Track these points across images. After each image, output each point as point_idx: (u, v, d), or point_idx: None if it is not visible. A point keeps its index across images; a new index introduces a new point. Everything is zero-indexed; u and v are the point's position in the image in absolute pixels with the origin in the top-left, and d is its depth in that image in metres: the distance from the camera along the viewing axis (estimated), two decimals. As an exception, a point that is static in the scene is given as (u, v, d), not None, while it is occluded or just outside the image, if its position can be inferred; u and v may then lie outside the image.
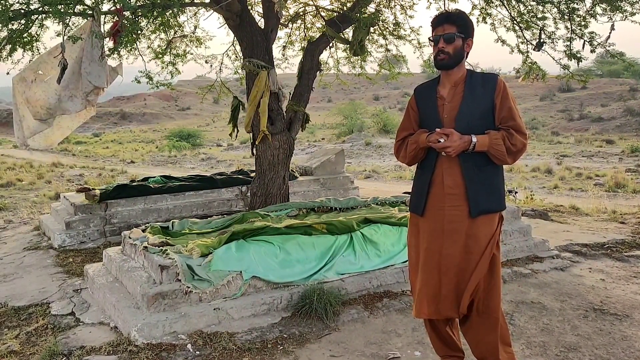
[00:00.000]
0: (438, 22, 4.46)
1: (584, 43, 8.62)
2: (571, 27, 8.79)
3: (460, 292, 4.46)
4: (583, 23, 8.65)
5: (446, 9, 8.57)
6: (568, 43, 8.87)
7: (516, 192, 15.29)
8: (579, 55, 8.73)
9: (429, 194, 4.52)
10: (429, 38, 4.57)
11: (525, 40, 9.61)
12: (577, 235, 9.98)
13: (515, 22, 9.52)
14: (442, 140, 4.26)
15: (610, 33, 8.28)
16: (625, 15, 8.14)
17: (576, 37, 8.78)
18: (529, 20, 9.29)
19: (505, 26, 9.75)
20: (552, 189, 19.81)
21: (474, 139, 4.27)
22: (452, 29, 4.39)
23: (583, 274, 7.79)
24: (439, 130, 4.31)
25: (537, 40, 9.10)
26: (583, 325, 6.04)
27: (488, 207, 4.42)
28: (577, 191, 19.26)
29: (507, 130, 4.33)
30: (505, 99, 4.39)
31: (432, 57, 4.75)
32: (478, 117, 4.38)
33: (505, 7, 9.47)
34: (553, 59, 9.03)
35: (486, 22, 9.81)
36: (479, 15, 9.76)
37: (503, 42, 9.62)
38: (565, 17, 8.75)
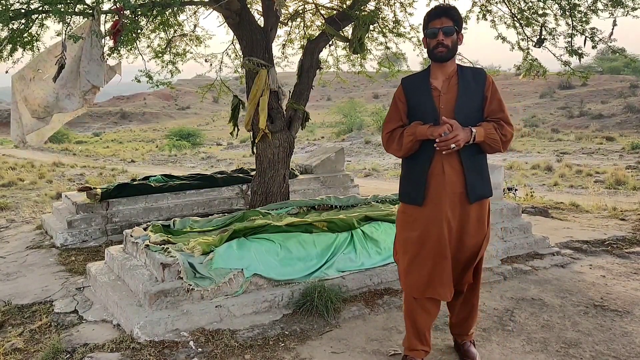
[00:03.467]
0: (436, 15, 4.56)
1: (585, 39, 8.60)
2: (572, 23, 8.77)
3: (462, 273, 4.84)
4: (584, 19, 8.63)
5: (447, 4, 8.59)
6: (569, 39, 8.86)
7: (516, 190, 15.30)
8: (580, 51, 8.71)
9: (428, 184, 4.60)
10: (425, 31, 4.63)
11: (525, 37, 9.60)
12: (577, 232, 9.98)
13: (515, 18, 9.51)
14: (447, 133, 4.32)
15: (612, 29, 8.27)
16: (627, 11, 8.12)
17: (577, 33, 8.77)
18: (529, 16, 9.29)
19: (505, 23, 9.74)
20: (553, 186, 19.84)
21: (474, 130, 4.42)
22: (450, 23, 4.51)
23: (583, 271, 7.80)
24: (445, 119, 4.37)
25: (538, 36, 9.09)
26: (584, 321, 6.05)
27: (482, 192, 4.67)
28: (578, 188, 19.28)
29: (497, 122, 4.54)
30: (494, 92, 4.61)
31: (427, 52, 4.72)
32: (474, 110, 4.57)
33: (506, 4, 9.47)
34: (554, 55, 9.03)
35: (486, 19, 9.80)
36: (479, 12, 9.75)
37: (503, 39, 9.60)
38: (566, 13, 8.74)
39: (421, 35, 6.99)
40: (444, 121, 4.37)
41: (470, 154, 4.55)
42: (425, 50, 4.73)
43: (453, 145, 4.34)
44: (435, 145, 4.40)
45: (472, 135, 4.41)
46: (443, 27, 4.49)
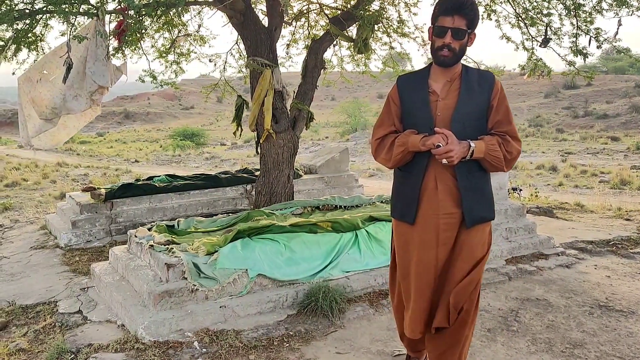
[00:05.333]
0: (447, 10, 3.91)
1: (590, 39, 8.57)
2: (577, 23, 8.76)
3: (453, 304, 4.17)
4: (589, 19, 8.61)
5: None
6: (574, 39, 8.84)
7: (520, 190, 15.27)
8: (585, 51, 8.69)
9: (420, 201, 4.14)
10: (433, 24, 4.04)
11: (530, 37, 9.58)
12: (582, 232, 9.97)
13: (520, 18, 9.49)
14: (442, 144, 3.83)
15: (617, 28, 8.24)
16: (632, 11, 8.09)
17: (582, 33, 8.75)
18: (534, 16, 9.27)
19: (510, 23, 9.72)
20: (557, 186, 19.81)
21: (472, 144, 3.91)
22: (462, 23, 3.89)
23: (588, 271, 7.79)
24: (438, 130, 3.87)
25: (544, 36, 9.06)
26: (588, 321, 6.05)
27: (481, 215, 4.14)
28: (582, 188, 19.25)
29: (503, 136, 4.02)
30: (502, 101, 4.07)
31: (430, 49, 4.14)
32: (475, 119, 4.02)
33: (510, 4, 9.45)
34: (559, 55, 9.01)
35: (491, 19, 9.78)
36: (483, 12, 9.73)
37: (508, 39, 9.59)
38: (571, 13, 8.72)
39: (426, 35, 6.84)
40: (437, 131, 3.88)
41: (467, 171, 4.04)
42: (429, 44, 4.14)
43: (445, 161, 3.87)
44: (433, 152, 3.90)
45: (469, 150, 3.90)
46: (454, 27, 3.89)
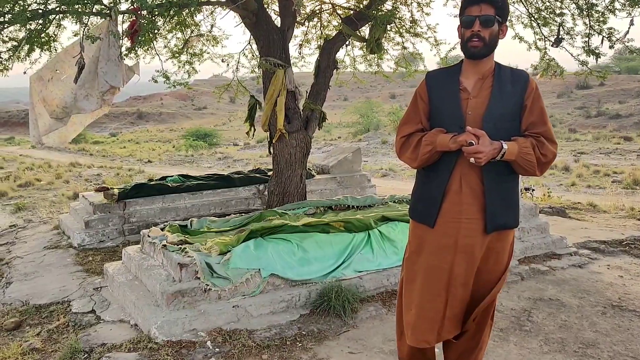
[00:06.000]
0: None
1: (602, 39, 8.55)
2: (589, 23, 8.73)
3: (469, 312, 4.09)
4: (601, 19, 8.57)
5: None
6: (586, 39, 8.81)
7: (533, 190, 15.24)
8: (597, 51, 8.66)
9: (442, 203, 3.93)
10: (460, 17, 3.88)
11: (543, 37, 9.55)
12: (595, 232, 9.93)
13: (532, 18, 9.47)
14: (474, 142, 3.66)
15: (629, 28, 8.20)
16: (645, 10, 8.06)
17: (594, 33, 8.72)
18: (546, 16, 9.24)
19: (522, 23, 9.70)
20: (570, 186, 19.74)
21: (505, 146, 3.69)
22: (491, 11, 3.74)
23: (601, 271, 7.76)
24: (470, 129, 3.68)
25: (556, 36, 9.04)
26: (601, 321, 6.02)
27: (504, 222, 3.94)
28: (595, 188, 19.18)
29: (537, 138, 3.81)
30: (536, 100, 3.86)
31: (460, 45, 3.95)
32: (508, 119, 3.82)
33: (523, 4, 9.43)
34: (571, 55, 8.98)
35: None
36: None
37: (521, 39, 9.57)
38: (584, 12, 8.69)
39: (439, 35, 6.78)
40: (469, 131, 3.68)
41: (495, 174, 3.84)
42: (460, 41, 3.96)
43: (472, 160, 3.69)
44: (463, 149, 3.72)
45: (500, 152, 3.69)
46: (482, 15, 3.73)
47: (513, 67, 4.03)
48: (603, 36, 8.56)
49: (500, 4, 3.77)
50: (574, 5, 8.85)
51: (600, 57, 8.74)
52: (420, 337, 4.08)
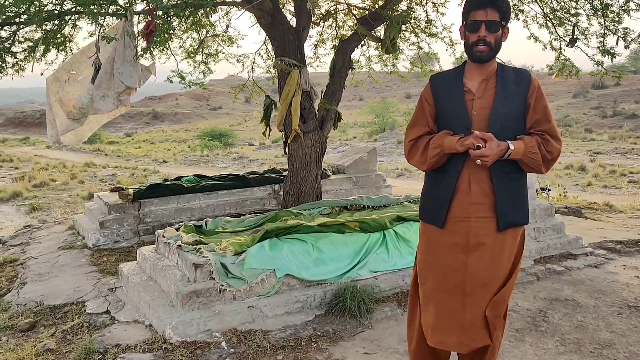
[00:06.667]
0: (480, 4, 3.80)
1: (617, 39, 8.51)
2: (604, 23, 8.69)
3: (491, 319, 4.00)
4: (617, 19, 8.54)
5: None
6: (601, 39, 8.77)
7: (549, 190, 15.19)
8: (612, 51, 8.62)
9: (451, 203, 3.97)
10: (465, 23, 3.91)
11: (558, 37, 9.51)
12: (611, 233, 9.90)
13: (548, 18, 9.43)
14: (481, 145, 3.71)
15: (642, 27, 8.16)
16: (661, 11, 8.02)
17: (610, 33, 8.67)
18: (562, 16, 9.20)
19: (537, 23, 9.66)
20: (586, 186, 19.69)
21: (511, 146, 3.76)
22: (496, 15, 3.78)
23: (617, 271, 7.73)
24: (478, 133, 3.73)
25: (570, 36, 9.00)
26: (617, 322, 6.00)
27: (515, 219, 3.97)
28: (611, 188, 19.12)
29: (542, 136, 3.88)
30: (540, 98, 3.91)
31: (464, 47, 3.99)
32: (513, 118, 3.87)
33: (538, 4, 9.39)
34: (586, 55, 8.94)
35: (518, 19, 9.73)
36: (511, 12, 9.66)
37: (536, 39, 9.52)
38: (599, 12, 8.65)
39: (454, 35, 6.74)
40: (476, 135, 3.73)
41: (503, 172, 3.89)
42: (463, 43, 4.00)
43: (479, 161, 3.76)
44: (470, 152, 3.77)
45: (507, 152, 3.75)
46: (487, 20, 3.77)
47: (516, 67, 4.09)
48: (618, 36, 8.52)
49: (504, 8, 3.82)
50: (588, 5, 8.81)
51: (615, 57, 8.70)
52: (440, 338, 4.06)
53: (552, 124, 3.93)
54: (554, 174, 22.74)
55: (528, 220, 4.11)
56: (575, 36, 8.95)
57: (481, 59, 3.86)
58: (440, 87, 4.07)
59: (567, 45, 9.21)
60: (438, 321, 4.06)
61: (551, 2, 9.30)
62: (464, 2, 3.97)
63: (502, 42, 3.91)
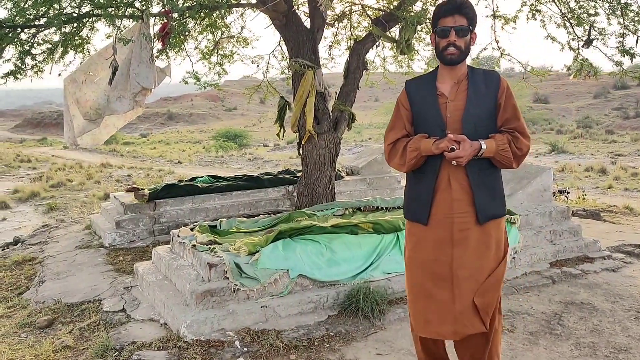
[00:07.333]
0: (447, 11, 4.04)
1: (637, 39, 8.46)
2: (624, 23, 8.64)
3: (480, 306, 4.13)
4: (636, 18, 8.48)
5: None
6: (620, 39, 8.73)
7: (568, 193, 15.13)
8: (632, 51, 8.57)
9: (433, 201, 4.16)
10: (434, 28, 4.13)
11: (576, 37, 9.45)
12: (629, 236, 9.84)
13: (565, 18, 9.38)
14: (455, 148, 3.93)
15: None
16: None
17: (629, 32, 8.62)
18: (580, 16, 9.15)
19: (555, 23, 9.61)
20: (607, 189, 19.55)
21: (484, 145, 3.98)
22: (464, 21, 4.03)
23: (635, 275, 7.68)
24: (452, 136, 3.94)
25: (587, 37, 8.96)
26: (634, 326, 5.98)
27: (494, 212, 4.18)
28: (633, 191, 18.99)
29: (512, 134, 4.10)
30: (509, 98, 4.15)
31: (436, 52, 4.21)
32: (485, 118, 4.10)
33: (556, 4, 9.34)
34: (605, 55, 8.88)
35: (536, 19, 9.67)
36: (528, 12, 9.62)
37: (553, 39, 9.47)
38: (617, 12, 8.60)
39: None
40: (450, 139, 3.94)
41: (478, 169, 4.10)
42: (433, 49, 4.27)
43: (454, 162, 4.00)
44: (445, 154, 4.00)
45: (480, 151, 3.98)
46: (456, 26, 4.00)
47: (485, 69, 4.35)
48: (638, 36, 8.47)
49: (471, 14, 4.06)
50: (607, 5, 8.76)
51: (635, 58, 8.65)
52: (432, 329, 4.25)
53: (521, 122, 4.15)
54: (573, 177, 22.61)
55: (505, 212, 4.33)
56: (591, 37, 8.92)
57: (452, 61, 4.09)
58: (415, 91, 4.32)
59: (583, 46, 9.17)
60: (431, 314, 4.23)
61: (569, 2, 9.25)
62: (433, 12, 4.19)
63: (471, 47, 4.17)
